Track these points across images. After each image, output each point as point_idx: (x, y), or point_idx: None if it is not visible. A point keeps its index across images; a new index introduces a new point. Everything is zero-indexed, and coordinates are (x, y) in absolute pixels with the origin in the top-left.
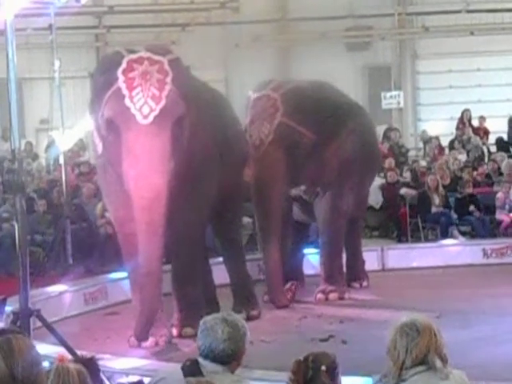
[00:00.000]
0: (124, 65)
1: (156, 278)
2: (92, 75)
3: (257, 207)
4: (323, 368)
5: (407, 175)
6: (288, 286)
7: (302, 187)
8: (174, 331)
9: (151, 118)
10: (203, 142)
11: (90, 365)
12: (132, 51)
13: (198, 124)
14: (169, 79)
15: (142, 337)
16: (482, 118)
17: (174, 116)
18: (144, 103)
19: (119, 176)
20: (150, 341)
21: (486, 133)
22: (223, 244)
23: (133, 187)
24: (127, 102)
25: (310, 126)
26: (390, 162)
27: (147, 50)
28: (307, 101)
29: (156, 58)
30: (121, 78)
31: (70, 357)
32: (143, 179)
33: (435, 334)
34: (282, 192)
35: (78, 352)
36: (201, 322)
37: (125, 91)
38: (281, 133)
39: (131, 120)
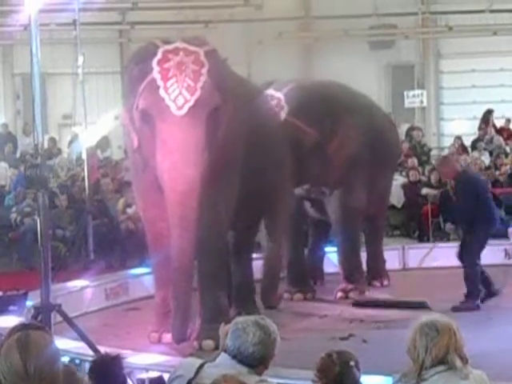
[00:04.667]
0: (159, 55)
1: (188, 272)
2: (126, 67)
3: None
4: (352, 363)
5: (433, 177)
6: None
7: (305, 186)
8: (195, 344)
9: (186, 109)
10: (239, 135)
11: (115, 363)
12: (167, 42)
13: (234, 117)
14: (204, 70)
15: (180, 337)
16: (507, 121)
17: (208, 107)
18: (179, 94)
19: (153, 170)
20: (171, 336)
21: (510, 134)
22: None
23: (166, 180)
24: (162, 92)
25: (312, 125)
26: (412, 161)
27: (183, 41)
28: (309, 99)
29: (192, 48)
30: (156, 68)
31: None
32: (177, 171)
33: (455, 334)
34: (288, 190)
35: (99, 348)
36: (232, 322)
37: (159, 82)
38: (286, 131)
39: (165, 111)
